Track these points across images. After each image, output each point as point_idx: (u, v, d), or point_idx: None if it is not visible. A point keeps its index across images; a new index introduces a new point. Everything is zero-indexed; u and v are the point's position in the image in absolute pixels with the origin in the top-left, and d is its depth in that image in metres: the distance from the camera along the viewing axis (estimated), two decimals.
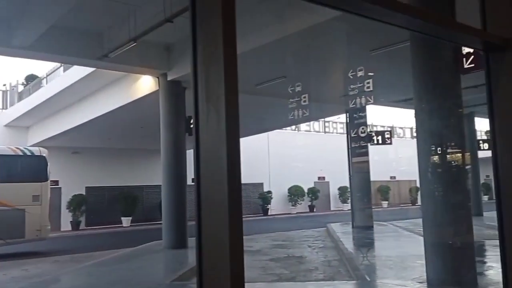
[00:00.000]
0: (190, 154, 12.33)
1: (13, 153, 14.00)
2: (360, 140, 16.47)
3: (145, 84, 14.13)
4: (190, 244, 12.18)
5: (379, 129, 26.66)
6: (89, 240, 18.35)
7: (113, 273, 9.13)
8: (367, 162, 17.01)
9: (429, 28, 2.65)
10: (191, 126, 12.42)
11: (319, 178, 31.77)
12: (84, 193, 23.42)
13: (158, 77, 13.23)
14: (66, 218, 22.69)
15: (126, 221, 24.14)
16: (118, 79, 15.20)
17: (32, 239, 13.31)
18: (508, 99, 2.62)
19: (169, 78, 12.91)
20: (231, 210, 1.27)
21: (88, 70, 14.51)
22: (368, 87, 9.32)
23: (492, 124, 2.66)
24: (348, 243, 12.65)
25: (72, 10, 9.25)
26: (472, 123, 19.77)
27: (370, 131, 17.77)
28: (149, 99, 14.12)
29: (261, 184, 29.14)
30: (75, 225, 22.80)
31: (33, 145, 18.75)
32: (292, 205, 29.79)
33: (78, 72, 15.16)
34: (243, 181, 1.35)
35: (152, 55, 12.45)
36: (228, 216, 1.27)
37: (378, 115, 26.50)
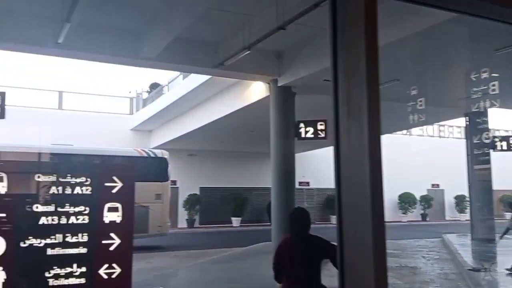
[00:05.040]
0: (298, 158, 12.34)
1: (139, 155, 15.39)
2: (483, 146, 15.28)
3: (256, 90, 14.59)
4: None
5: (502, 133, 24.41)
6: (202, 238, 19.43)
7: (227, 271, 9.58)
8: (489, 169, 15.72)
9: None
10: (300, 131, 12.61)
11: (432, 185, 30.02)
12: (198, 193, 24.85)
13: (269, 83, 13.59)
14: (182, 216, 24.26)
15: (236, 221, 25.09)
16: (231, 85, 15.91)
17: (154, 234, 14.43)
18: None
19: (279, 84, 13.19)
20: (374, 218, 1.33)
21: (204, 78, 15.41)
22: (494, 90, 8.64)
23: None
24: (467, 256, 11.79)
25: (193, 22, 9.91)
26: None
27: (494, 137, 16.38)
28: (260, 104, 14.55)
29: None
30: (190, 223, 24.28)
31: (155, 148, 20.40)
32: (403, 213, 28.52)
33: (195, 80, 16.18)
34: None
35: (264, 62, 12.82)
36: (372, 225, 1.32)
37: (499, 119, 24.27)
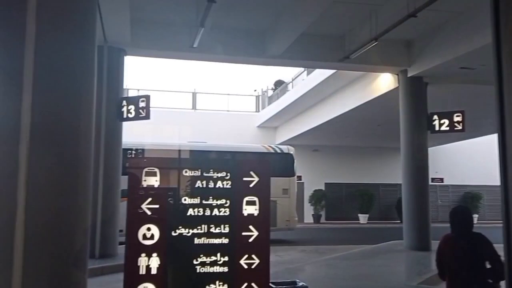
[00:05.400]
0: (430, 152, 11.52)
1: (267, 151, 15.88)
2: None
3: (384, 82, 14.07)
4: (433, 247, 11.55)
5: None
6: (329, 234, 19.35)
7: (358, 268, 9.41)
8: None
9: None
10: (433, 123, 11.85)
11: None
12: (323, 189, 24.82)
13: (397, 74, 13.02)
14: (308, 211, 24.46)
15: (363, 218, 24.54)
16: (356, 79, 15.58)
17: (282, 228, 14.79)
18: None
19: (409, 75, 12.56)
20: None
21: (328, 72, 15.31)
22: None
23: None
24: None
25: (318, 17, 9.90)
26: None
27: None
28: (387, 97, 14.02)
29: None
30: (316, 218, 24.36)
31: (280, 144, 20.86)
32: None
33: (320, 75, 16.16)
34: None
35: (392, 52, 12.32)
36: None
37: None
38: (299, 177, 21.56)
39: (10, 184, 3.03)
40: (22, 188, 3.02)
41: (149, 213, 3.56)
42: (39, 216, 3.09)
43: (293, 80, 22.09)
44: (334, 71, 14.76)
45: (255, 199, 3.76)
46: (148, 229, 3.54)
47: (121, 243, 10.38)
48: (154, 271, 3.49)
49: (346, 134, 21.67)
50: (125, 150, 11.69)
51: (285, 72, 24.07)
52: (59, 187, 3.16)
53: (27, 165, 3.04)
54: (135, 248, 3.50)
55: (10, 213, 3.00)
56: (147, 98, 10.28)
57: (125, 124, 11.02)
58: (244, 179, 3.75)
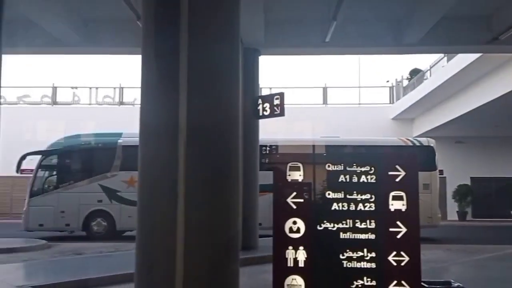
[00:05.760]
0: None
1: (404, 144, 15.15)
2: None
3: None
4: None
5: None
6: (477, 232, 17.79)
7: None
8: None
9: None
10: None
11: None
12: (469, 184, 22.85)
13: None
14: (452, 208, 22.74)
15: None
16: (505, 62, 14.07)
17: (424, 226, 13.84)
18: None
19: None
20: None
21: (472, 57, 14.03)
22: None
23: None
24: None
25: None
26: None
27: None
28: None
29: None
30: (461, 215, 22.54)
31: (417, 136, 19.72)
32: None
33: (462, 60, 14.88)
34: None
35: None
36: None
37: None
38: (441, 171, 20.14)
39: (172, 180, 3.34)
40: (181, 184, 3.31)
41: (294, 207, 3.65)
42: (197, 209, 3.36)
43: (431, 67, 20.68)
44: (479, 55, 13.48)
45: (402, 194, 3.62)
46: (294, 222, 3.63)
47: (260, 236, 10.82)
48: (301, 264, 3.57)
49: (495, 124, 19.65)
50: (260, 146, 12.12)
51: (421, 60, 22.69)
52: (214, 182, 3.40)
53: (185, 163, 3.32)
54: (282, 241, 3.62)
55: (172, 208, 3.31)
56: (281, 95, 10.53)
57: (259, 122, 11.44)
58: (390, 173, 3.63)
